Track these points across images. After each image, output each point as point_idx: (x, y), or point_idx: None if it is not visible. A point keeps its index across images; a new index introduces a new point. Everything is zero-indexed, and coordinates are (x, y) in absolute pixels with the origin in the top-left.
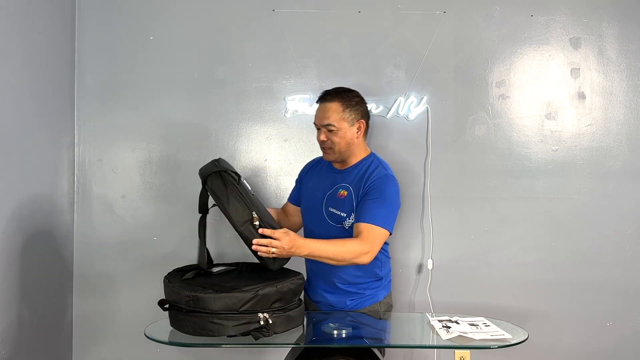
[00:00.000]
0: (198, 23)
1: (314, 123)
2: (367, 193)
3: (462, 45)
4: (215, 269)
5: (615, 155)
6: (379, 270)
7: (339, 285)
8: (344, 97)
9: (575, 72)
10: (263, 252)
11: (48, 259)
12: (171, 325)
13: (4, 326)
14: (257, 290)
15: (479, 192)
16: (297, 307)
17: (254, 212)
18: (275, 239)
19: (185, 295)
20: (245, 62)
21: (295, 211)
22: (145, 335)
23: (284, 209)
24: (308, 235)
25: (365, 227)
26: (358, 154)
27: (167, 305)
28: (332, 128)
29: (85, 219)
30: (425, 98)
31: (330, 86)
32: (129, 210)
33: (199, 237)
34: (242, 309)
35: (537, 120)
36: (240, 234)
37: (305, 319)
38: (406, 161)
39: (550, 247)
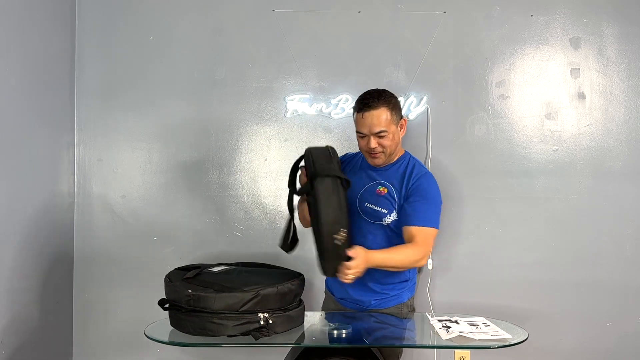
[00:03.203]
0: (198, 23)
1: (358, 131)
2: (412, 193)
3: (462, 45)
4: (216, 268)
5: (615, 155)
6: (407, 272)
7: (369, 284)
8: (386, 99)
9: (575, 72)
10: (349, 277)
11: (48, 258)
12: (171, 325)
13: (4, 326)
14: (258, 290)
15: (479, 192)
16: (297, 307)
17: (342, 231)
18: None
19: (186, 295)
20: (245, 62)
21: None
22: (145, 335)
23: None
24: None
25: (417, 231)
26: (397, 153)
27: (167, 305)
28: (383, 134)
29: (85, 219)
30: (425, 98)
31: (329, 86)
32: (129, 210)
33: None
34: (243, 309)
35: (537, 120)
36: (321, 240)
37: (305, 319)
38: None
39: (550, 247)
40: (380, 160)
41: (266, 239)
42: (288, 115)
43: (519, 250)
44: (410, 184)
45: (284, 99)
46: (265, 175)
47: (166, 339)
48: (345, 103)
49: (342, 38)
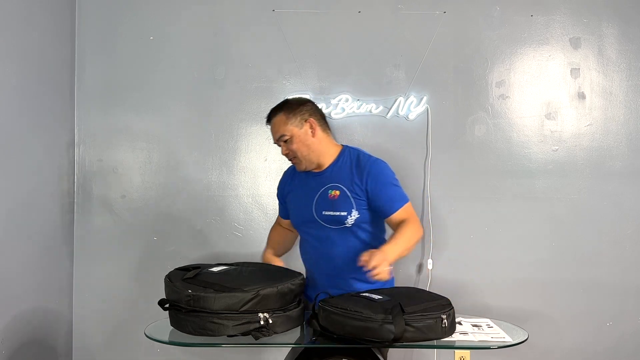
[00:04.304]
0: (198, 23)
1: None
2: (373, 186)
3: (462, 45)
4: (216, 268)
5: (615, 155)
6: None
7: (353, 284)
8: (284, 107)
9: (575, 72)
10: (382, 274)
11: (48, 259)
12: (171, 325)
13: (4, 326)
14: (258, 291)
15: (479, 192)
16: (297, 307)
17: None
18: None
19: (186, 295)
20: (245, 62)
21: (289, 224)
22: (146, 335)
23: (280, 224)
24: (306, 246)
25: (401, 213)
26: (329, 152)
27: (167, 305)
28: (285, 138)
29: (85, 219)
30: (425, 98)
31: (329, 86)
32: (129, 210)
33: None
34: (243, 309)
35: (537, 120)
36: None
37: (304, 319)
38: (406, 161)
39: (550, 247)
40: (301, 166)
41: (266, 239)
42: None
43: (519, 250)
44: (363, 178)
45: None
46: (265, 175)
47: (166, 339)
48: (346, 103)
49: (342, 38)
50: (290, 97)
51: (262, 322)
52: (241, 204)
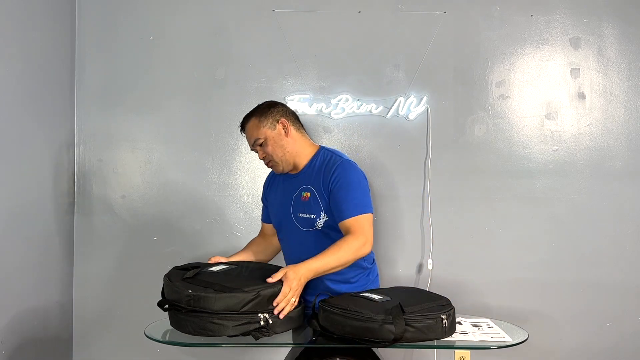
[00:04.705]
0: (198, 23)
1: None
2: (334, 186)
3: (462, 45)
4: (216, 268)
5: (615, 155)
6: (361, 261)
7: (330, 285)
8: (255, 112)
9: (575, 72)
10: (286, 308)
11: (48, 259)
12: (171, 325)
13: (4, 326)
14: (259, 291)
15: (479, 192)
16: (297, 307)
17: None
18: (282, 285)
19: (186, 295)
20: (245, 62)
21: (271, 230)
22: (146, 335)
23: (261, 232)
24: (285, 247)
25: (350, 222)
26: (304, 153)
27: (166, 306)
28: (259, 142)
29: (85, 219)
30: (425, 98)
31: (329, 86)
32: (129, 210)
33: None
34: (243, 309)
35: (537, 120)
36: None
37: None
38: (406, 161)
39: (550, 247)
40: (278, 168)
41: None
42: None
43: (519, 250)
44: (329, 179)
45: (284, 99)
46: (265, 175)
47: (166, 339)
48: (346, 103)
49: (342, 38)
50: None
51: (262, 323)
52: (241, 204)
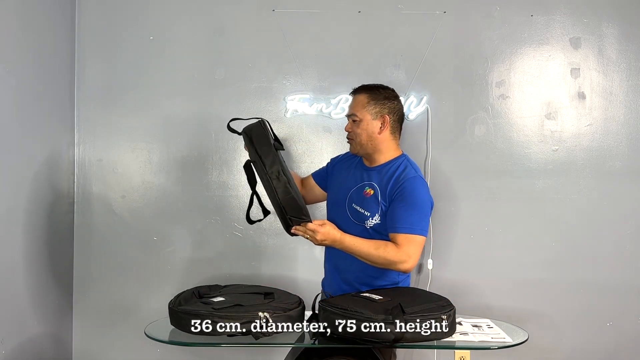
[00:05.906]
0: (198, 23)
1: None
2: (397, 198)
3: (462, 45)
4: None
5: (615, 155)
6: (396, 275)
7: (357, 285)
8: (372, 90)
9: (575, 72)
10: (301, 232)
11: (48, 258)
12: (171, 324)
13: (4, 326)
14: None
15: (479, 192)
16: (297, 307)
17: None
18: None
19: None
20: (245, 62)
21: (311, 186)
22: (146, 335)
23: (303, 181)
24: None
25: (401, 238)
26: (386, 153)
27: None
28: (355, 118)
29: (85, 219)
30: (425, 98)
31: (329, 86)
32: (129, 210)
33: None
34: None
35: (537, 120)
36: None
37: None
38: None
39: (550, 247)
40: (355, 148)
41: (266, 238)
42: (288, 115)
43: (519, 250)
44: (395, 188)
45: (284, 99)
46: None
47: (166, 339)
48: (345, 103)
49: (342, 38)
50: (384, 84)
51: (262, 322)
52: (241, 204)
